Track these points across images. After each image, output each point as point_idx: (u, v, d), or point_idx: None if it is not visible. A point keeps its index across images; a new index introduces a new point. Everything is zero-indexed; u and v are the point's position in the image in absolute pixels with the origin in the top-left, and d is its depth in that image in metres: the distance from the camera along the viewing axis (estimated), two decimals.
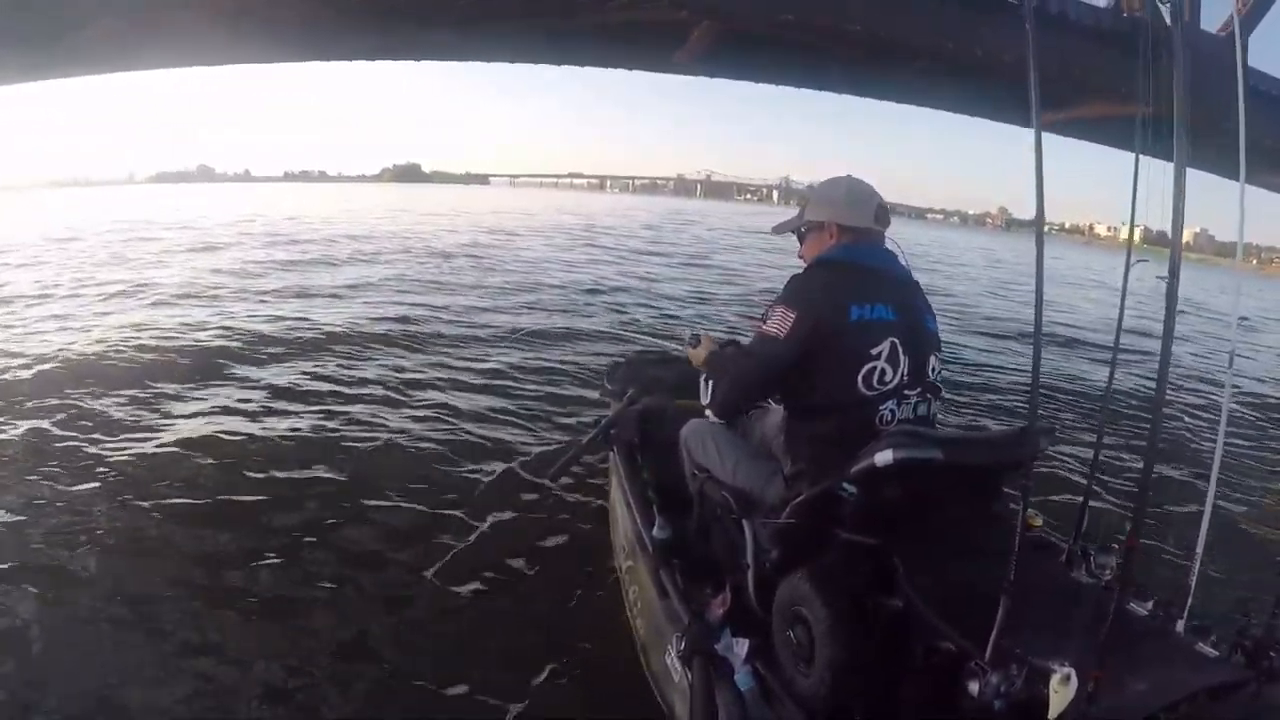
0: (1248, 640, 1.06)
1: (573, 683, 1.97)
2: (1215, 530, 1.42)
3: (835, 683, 1.26)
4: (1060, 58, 9.35)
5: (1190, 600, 1.19)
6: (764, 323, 1.50)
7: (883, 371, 1.42)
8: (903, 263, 1.61)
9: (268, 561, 2.44)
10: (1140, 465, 1.11)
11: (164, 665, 1.93)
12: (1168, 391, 1.44)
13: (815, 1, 9.30)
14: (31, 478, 2.94)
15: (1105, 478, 1.62)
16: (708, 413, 1.71)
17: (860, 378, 1.41)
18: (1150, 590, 1.26)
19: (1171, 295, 1.06)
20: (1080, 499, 1.67)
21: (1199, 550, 1.23)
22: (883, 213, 1.60)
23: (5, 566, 2.31)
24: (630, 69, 14.32)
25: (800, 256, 1.70)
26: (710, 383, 1.60)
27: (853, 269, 1.52)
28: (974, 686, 1.06)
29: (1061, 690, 0.96)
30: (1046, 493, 2.60)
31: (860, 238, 1.58)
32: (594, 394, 4.08)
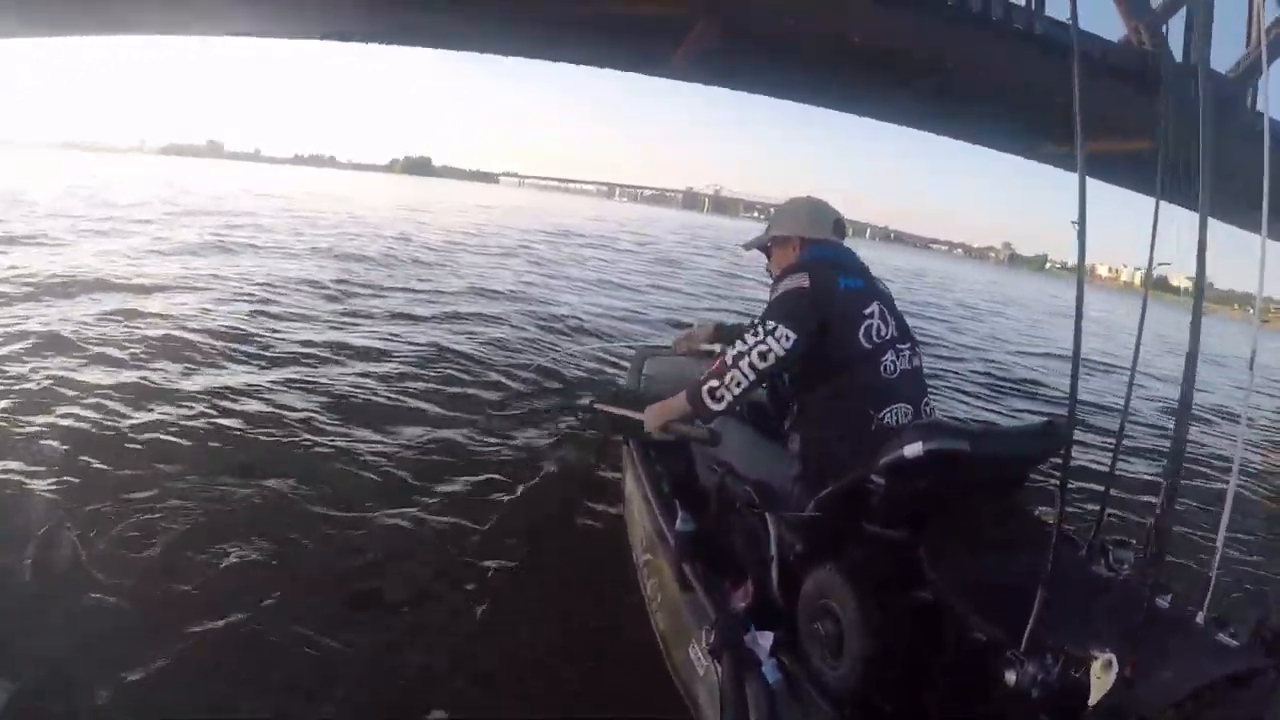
0: (1267, 630, 1.09)
1: (591, 676, 1.97)
2: (1235, 524, 1.44)
3: (865, 675, 1.27)
4: (1068, 90, 9.32)
5: (1211, 592, 1.22)
6: (777, 291, 1.67)
7: (878, 328, 1.62)
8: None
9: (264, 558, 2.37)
10: (1167, 449, 1.14)
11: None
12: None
13: (817, 6, 9.27)
14: None
15: (1125, 474, 1.65)
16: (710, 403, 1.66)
17: (861, 333, 1.59)
18: (1170, 583, 1.28)
19: (1198, 294, 1.10)
20: (1100, 494, 1.71)
21: (1219, 544, 1.26)
22: (839, 226, 1.87)
23: None
24: (627, 69, 14.46)
25: (768, 270, 1.93)
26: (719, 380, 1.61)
27: (825, 259, 1.75)
28: (1010, 676, 1.08)
29: (1103, 676, 0.98)
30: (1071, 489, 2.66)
31: (819, 245, 1.81)
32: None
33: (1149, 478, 3.24)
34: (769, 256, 1.95)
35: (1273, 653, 1.07)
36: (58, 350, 4.18)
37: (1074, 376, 1.16)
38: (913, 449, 1.25)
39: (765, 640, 1.43)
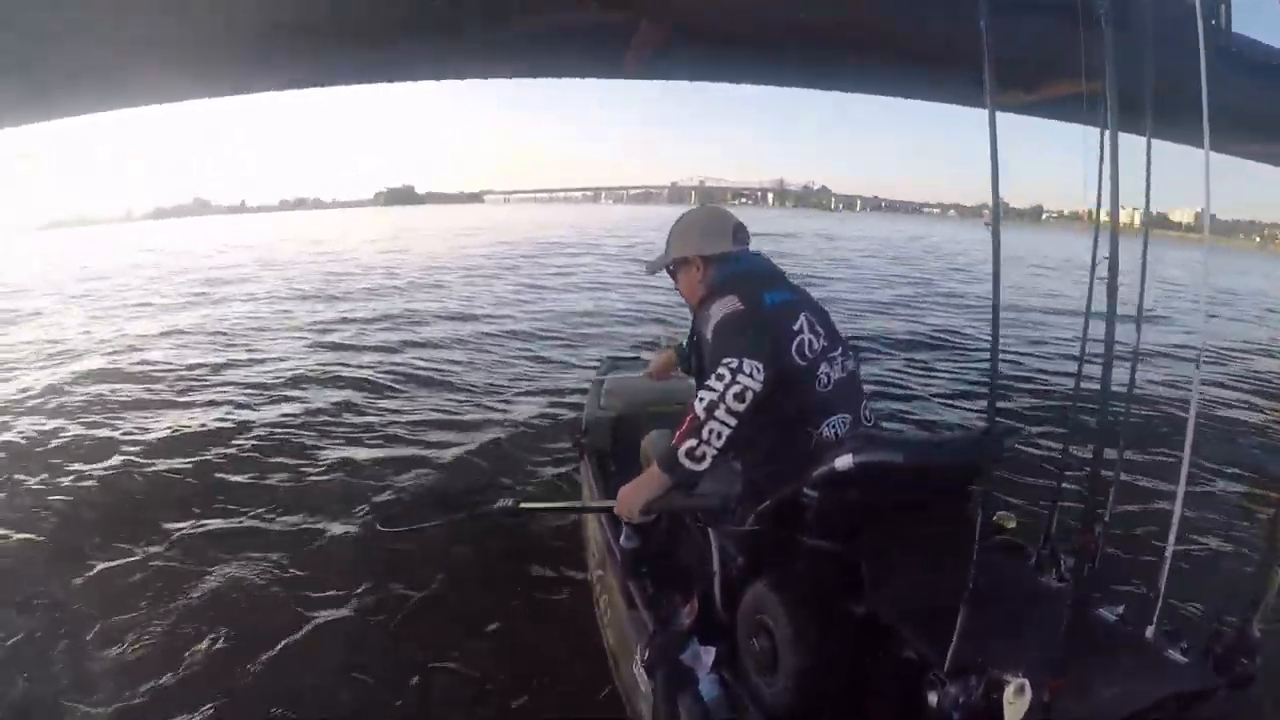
0: (1218, 646, 1.03)
1: (544, 693, 2.00)
2: (1186, 533, 1.37)
3: (798, 691, 1.25)
4: (1024, 38, 8.75)
5: (1160, 605, 1.14)
6: (713, 318, 1.51)
7: (810, 341, 1.52)
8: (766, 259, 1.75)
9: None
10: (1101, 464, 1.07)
11: None
12: (1136, 387, 1.40)
13: None
14: None
15: (1076, 474, 1.57)
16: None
17: (794, 349, 1.49)
18: (1120, 595, 1.24)
19: (1114, 267, 1.03)
20: (1049, 501, 1.64)
21: (1168, 554, 1.18)
22: (740, 232, 1.72)
23: None
24: (584, 76, 14.45)
25: (678, 290, 1.79)
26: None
27: (741, 275, 1.63)
28: (932, 697, 1.05)
29: (1016, 702, 0.94)
30: (1018, 495, 2.57)
31: (725, 263, 1.69)
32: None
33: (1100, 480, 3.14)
34: (674, 278, 1.80)
35: (1222, 670, 0.99)
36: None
37: (992, 388, 1.08)
38: (843, 461, 1.21)
39: (707, 655, 1.42)
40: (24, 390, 5.21)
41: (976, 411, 5.06)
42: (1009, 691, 0.95)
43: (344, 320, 8.27)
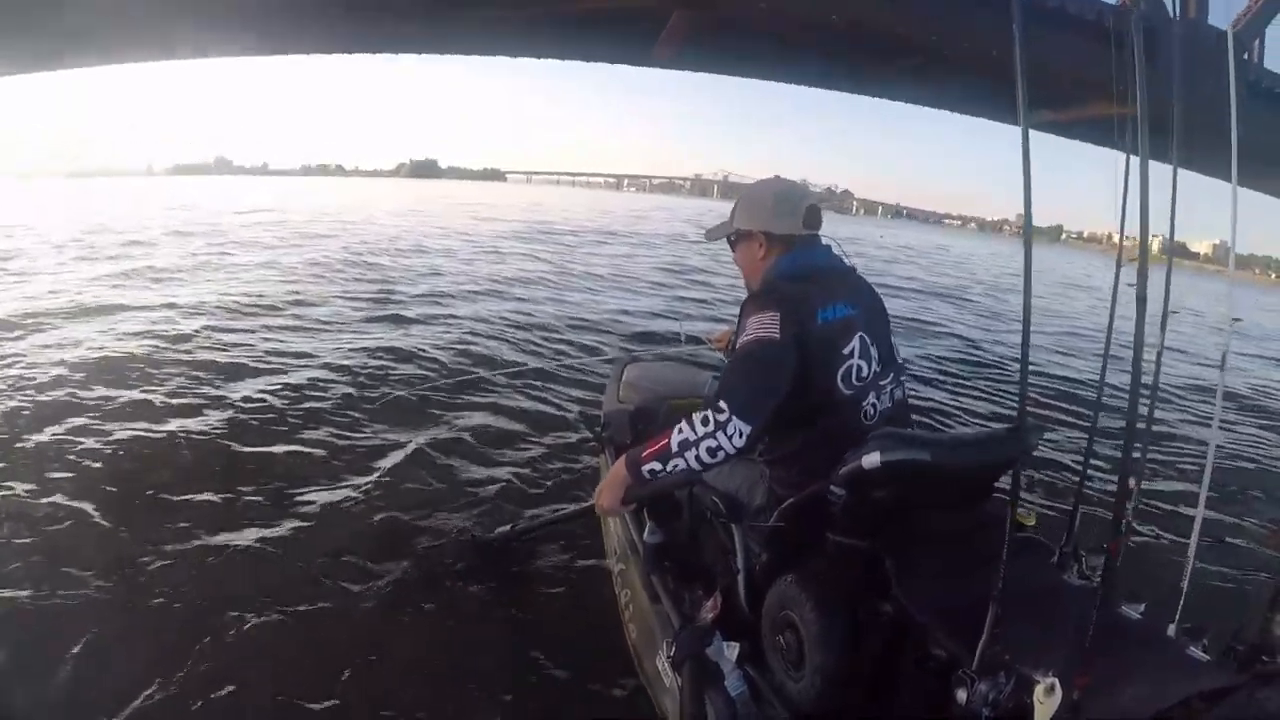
0: (1240, 644, 1.05)
1: (567, 686, 1.99)
2: (1209, 532, 1.39)
3: (825, 688, 1.26)
4: (1057, 55, 8.80)
5: (1182, 603, 1.16)
6: (745, 333, 1.40)
7: (859, 368, 1.42)
8: (837, 253, 1.61)
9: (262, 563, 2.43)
10: (1129, 465, 1.09)
11: None
12: (1161, 393, 1.41)
13: None
14: None
15: (1099, 475, 1.59)
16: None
17: (840, 378, 1.40)
18: (1143, 593, 1.25)
19: (1142, 278, 1.05)
20: (1070, 499, 1.65)
21: (1191, 553, 1.20)
22: (813, 215, 1.56)
23: None
24: (612, 62, 14.54)
25: (736, 263, 1.67)
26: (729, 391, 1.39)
27: (802, 278, 1.48)
28: (962, 695, 1.05)
29: (1046, 701, 0.95)
30: (1040, 493, 2.58)
31: (791, 246, 1.55)
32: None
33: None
34: (734, 250, 1.67)
35: (1245, 668, 1.01)
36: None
37: (1023, 383, 1.11)
38: (870, 460, 1.21)
39: (731, 651, 1.41)
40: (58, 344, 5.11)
41: (1003, 411, 5.08)
42: (1039, 690, 0.96)
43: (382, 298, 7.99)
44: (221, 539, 2.57)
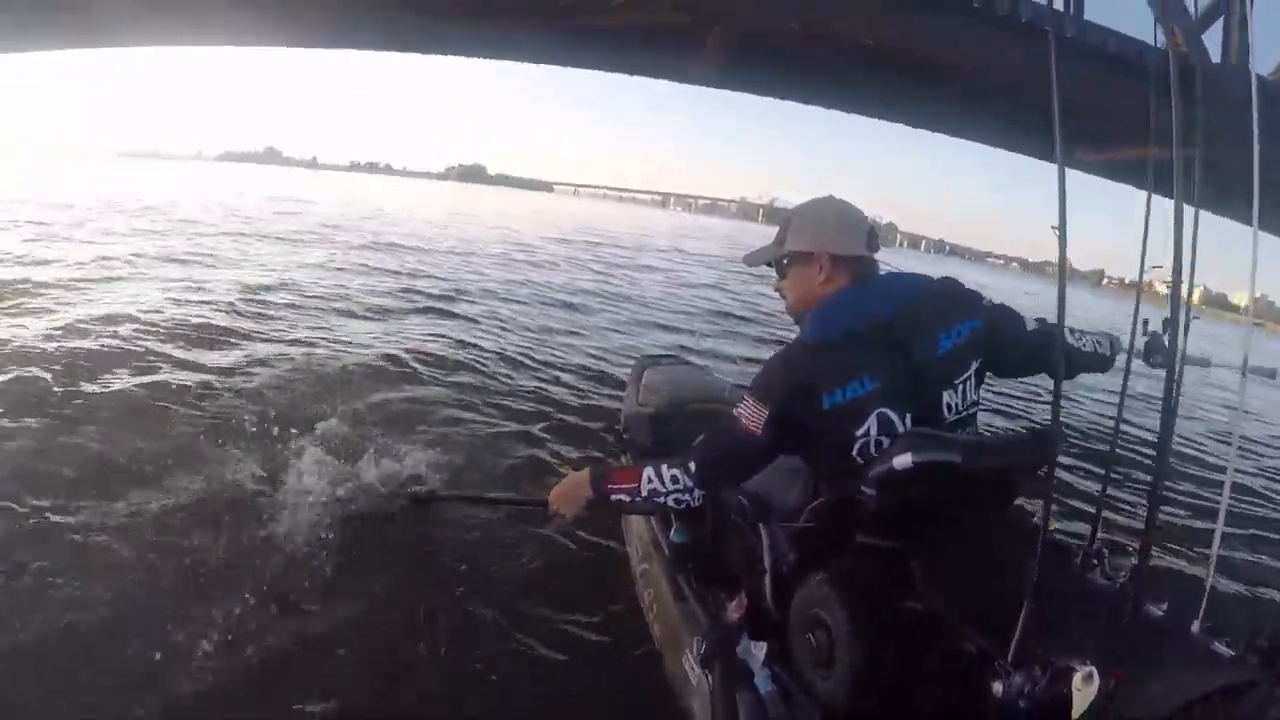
0: (1262, 640, 1.06)
1: (590, 684, 1.98)
2: (1231, 531, 1.39)
3: (855, 686, 1.26)
4: (1096, 94, 8.83)
5: (1205, 600, 1.18)
6: (737, 406, 1.41)
7: (878, 442, 1.31)
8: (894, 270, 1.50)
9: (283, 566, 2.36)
10: (1154, 463, 1.12)
11: None
12: (1184, 399, 1.44)
13: (823, 11, 9.00)
14: None
15: (1119, 477, 1.60)
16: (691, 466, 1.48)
17: (855, 453, 1.33)
18: (1166, 591, 1.25)
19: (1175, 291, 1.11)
20: (1094, 502, 1.66)
21: (1214, 551, 1.22)
22: (873, 238, 1.44)
23: None
24: (651, 76, 14.60)
25: (777, 290, 1.52)
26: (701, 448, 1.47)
27: (833, 346, 1.33)
28: (998, 687, 1.06)
29: (1084, 689, 0.96)
30: (1058, 496, 2.59)
31: (856, 270, 1.41)
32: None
33: (1145, 485, 3.16)
34: (783, 276, 1.50)
35: (1269, 664, 1.03)
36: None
37: (1057, 385, 1.14)
38: (901, 460, 1.22)
39: (759, 651, 1.42)
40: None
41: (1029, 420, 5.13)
42: (1077, 678, 0.96)
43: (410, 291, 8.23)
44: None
